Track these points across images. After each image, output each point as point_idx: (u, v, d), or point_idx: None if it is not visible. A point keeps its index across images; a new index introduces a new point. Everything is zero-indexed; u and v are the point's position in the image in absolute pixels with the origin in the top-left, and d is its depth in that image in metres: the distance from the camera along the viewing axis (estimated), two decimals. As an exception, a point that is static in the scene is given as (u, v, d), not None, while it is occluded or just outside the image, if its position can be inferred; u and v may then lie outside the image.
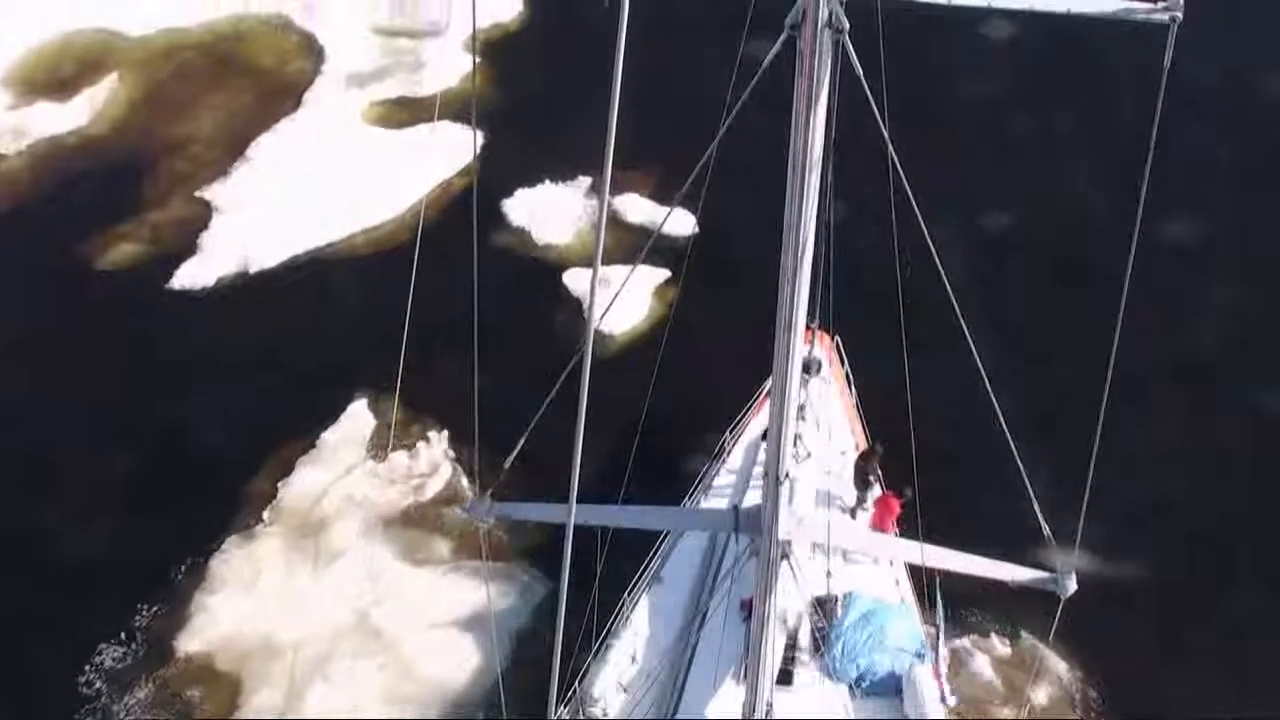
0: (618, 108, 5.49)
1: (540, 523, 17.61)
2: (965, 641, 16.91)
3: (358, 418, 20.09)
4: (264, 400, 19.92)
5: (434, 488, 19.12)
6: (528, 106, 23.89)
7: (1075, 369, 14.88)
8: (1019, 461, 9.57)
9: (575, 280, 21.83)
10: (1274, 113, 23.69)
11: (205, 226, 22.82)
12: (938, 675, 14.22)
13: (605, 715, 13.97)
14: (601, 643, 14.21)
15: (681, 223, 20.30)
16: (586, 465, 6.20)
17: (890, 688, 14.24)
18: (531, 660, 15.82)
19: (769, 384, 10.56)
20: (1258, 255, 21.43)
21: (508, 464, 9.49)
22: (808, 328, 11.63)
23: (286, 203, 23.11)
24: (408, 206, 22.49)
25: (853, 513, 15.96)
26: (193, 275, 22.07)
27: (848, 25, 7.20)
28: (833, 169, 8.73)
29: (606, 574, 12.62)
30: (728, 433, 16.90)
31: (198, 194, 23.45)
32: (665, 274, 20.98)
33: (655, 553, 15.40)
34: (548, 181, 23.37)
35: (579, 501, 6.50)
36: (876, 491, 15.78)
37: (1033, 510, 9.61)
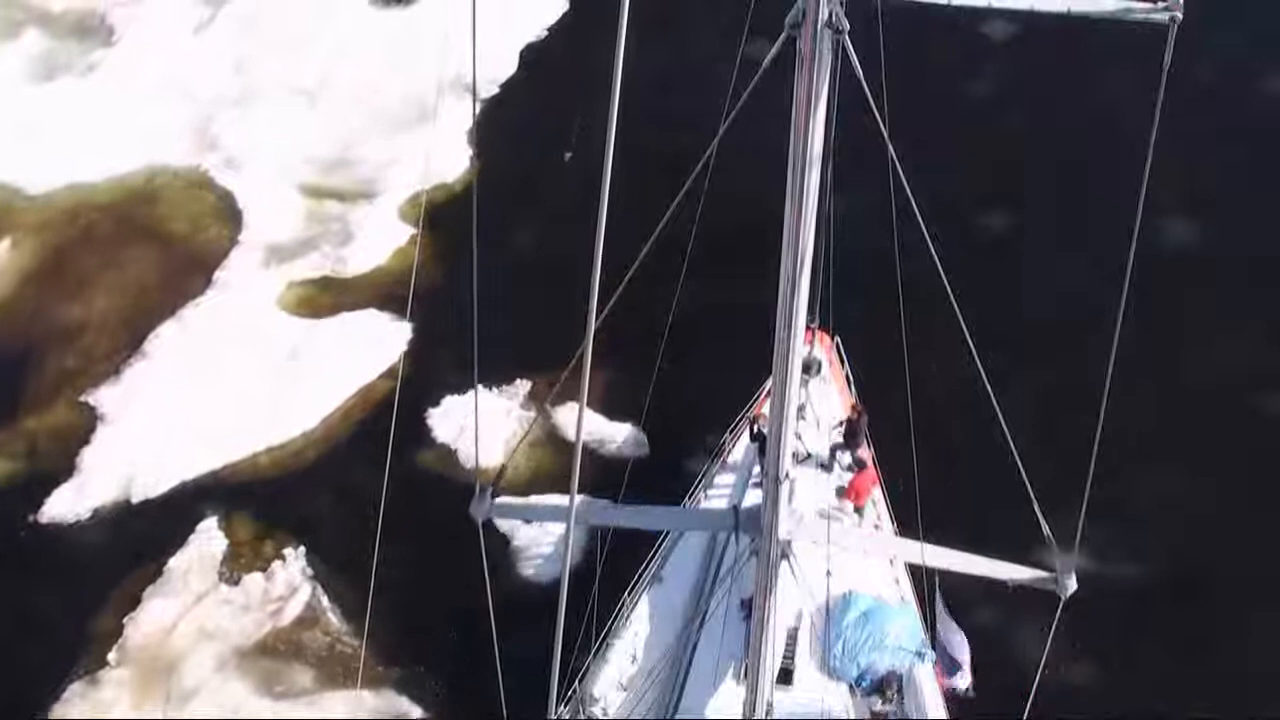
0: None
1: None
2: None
3: (207, 539, 18.50)
4: (103, 526, 18.64)
5: (293, 611, 17.65)
6: (469, 288, 20.85)
7: (1075, 369, 14.89)
8: (1019, 461, 9.57)
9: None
10: (1274, 112, 23.68)
11: (88, 441, 19.76)
12: (938, 674, 14.23)
13: (605, 715, 13.98)
14: (601, 643, 14.21)
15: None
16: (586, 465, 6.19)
17: (890, 687, 14.25)
18: (531, 660, 15.79)
19: (769, 384, 10.56)
20: (1258, 255, 21.42)
21: (508, 464, 9.48)
22: (808, 328, 11.67)
23: (182, 412, 20.12)
24: (319, 420, 19.94)
25: (829, 467, 15.91)
26: (65, 505, 19.03)
27: (848, 25, 7.22)
28: (833, 169, 8.74)
29: (606, 574, 12.62)
30: (728, 433, 16.89)
31: (84, 398, 20.32)
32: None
33: (655, 553, 15.39)
34: (482, 388, 19.54)
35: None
36: (864, 451, 15.71)
37: (1033, 510, 9.61)
